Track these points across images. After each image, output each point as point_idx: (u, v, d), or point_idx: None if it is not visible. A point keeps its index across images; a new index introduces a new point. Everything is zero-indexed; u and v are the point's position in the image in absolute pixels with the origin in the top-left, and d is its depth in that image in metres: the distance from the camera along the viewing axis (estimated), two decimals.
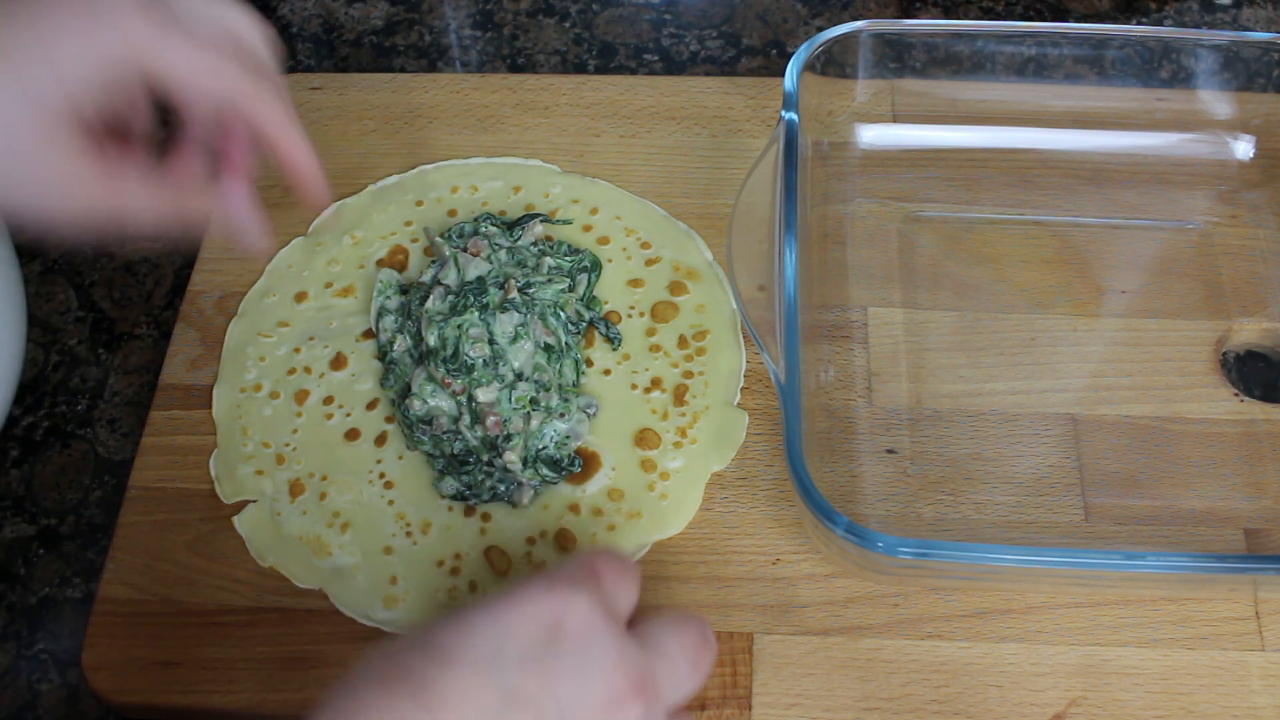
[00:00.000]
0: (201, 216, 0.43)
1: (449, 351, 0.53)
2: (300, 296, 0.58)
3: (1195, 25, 0.72)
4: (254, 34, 0.44)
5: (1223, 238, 0.60)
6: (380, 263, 0.60)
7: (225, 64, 0.41)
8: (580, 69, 0.71)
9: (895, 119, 0.63)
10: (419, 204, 0.61)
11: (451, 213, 0.61)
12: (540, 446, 0.53)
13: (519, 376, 0.53)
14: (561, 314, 0.55)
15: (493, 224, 0.59)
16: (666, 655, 0.40)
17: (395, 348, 0.55)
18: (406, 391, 0.53)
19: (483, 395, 0.52)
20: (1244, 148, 0.62)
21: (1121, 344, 0.57)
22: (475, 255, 0.56)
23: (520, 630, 0.36)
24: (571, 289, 0.57)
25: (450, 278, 0.55)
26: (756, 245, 0.53)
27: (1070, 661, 0.49)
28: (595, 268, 0.59)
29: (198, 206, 0.43)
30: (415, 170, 0.63)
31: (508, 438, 0.52)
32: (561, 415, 0.53)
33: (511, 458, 0.52)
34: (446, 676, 0.35)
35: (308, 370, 0.56)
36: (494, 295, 0.54)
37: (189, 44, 0.40)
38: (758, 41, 0.72)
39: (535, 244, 0.58)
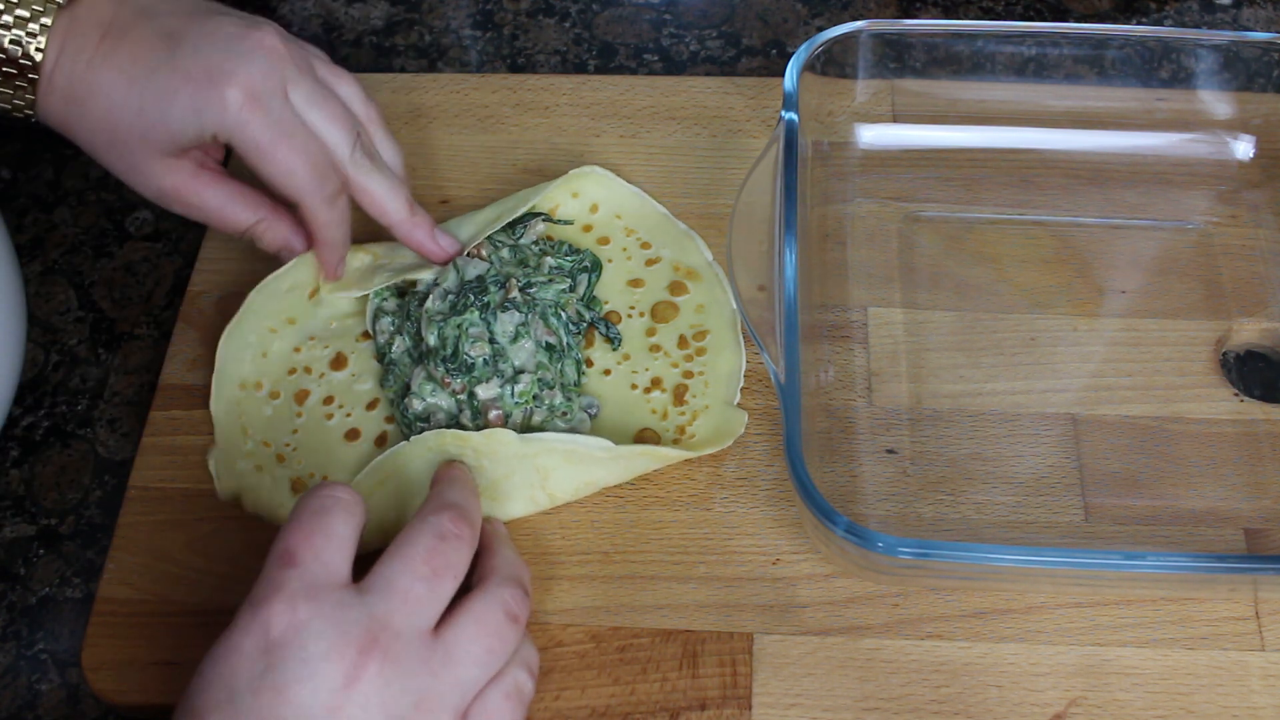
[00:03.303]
0: (269, 234, 0.55)
1: (448, 351, 0.52)
2: (313, 294, 0.58)
3: (1195, 25, 0.72)
4: (342, 138, 0.52)
5: (1223, 238, 0.60)
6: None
7: (300, 168, 0.50)
8: (580, 69, 0.71)
9: (895, 119, 0.63)
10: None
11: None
12: None
13: (519, 374, 0.53)
14: (563, 314, 0.55)
15: None
16: (394, 590, 0.41)
17: (394, 348, 0.55)
18: (406, 392, 0.53)
19: (483, 392, 0.52)
20: (1244, 148, 0.62)
21: (1121, 344, 0.57)
22: (474, 255, 0.56)
23: (238, 664, 0.39)
24: (572, 289, 0.57)
25: (449, 279, 0.55)
26: (756, 245, 0.53)
27: (1070, 661, 0.49)
28: (595, 268, 0.59)
29: (258, 217, 0.54)
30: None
31: None
32: (564, 414, 0.53)
33: None
34: None
35: (308, 370, 0.56)
36: (494, 294, 0.54)
37: (274, 145, 0.50)
38: (758, 41, 0.72)
39: (536, 243, 0.58)
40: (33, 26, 0.48)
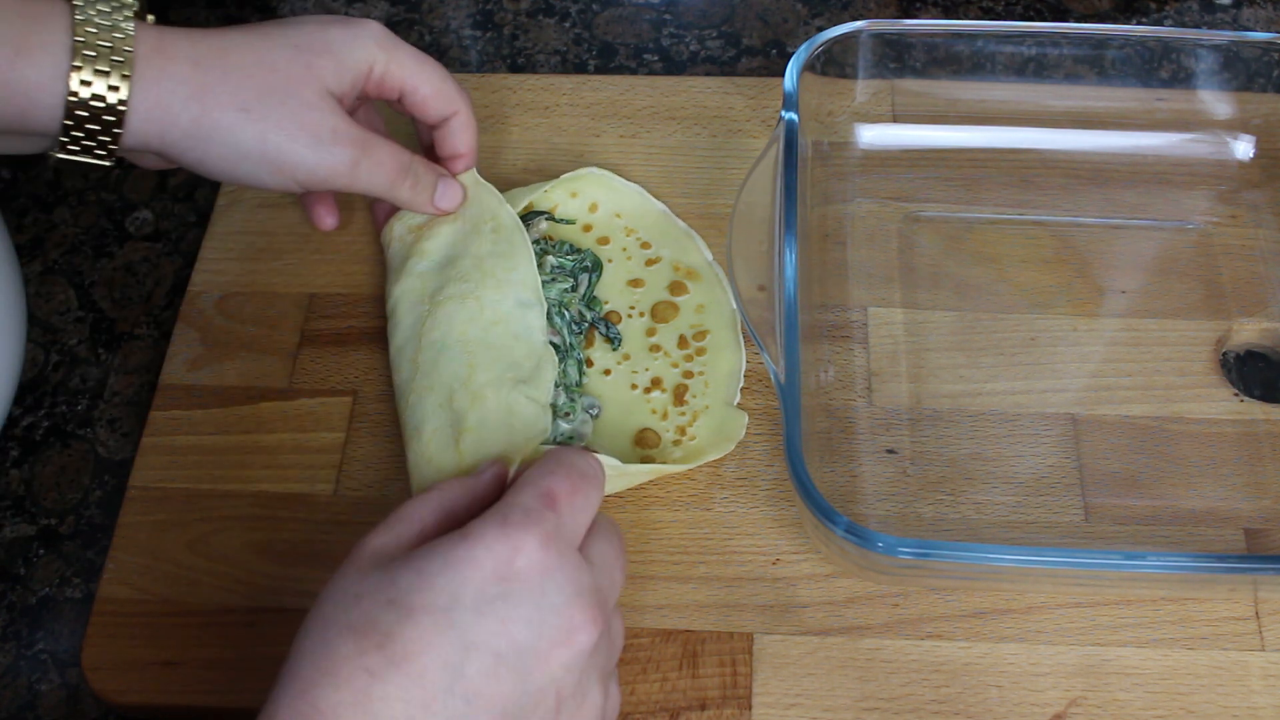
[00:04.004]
0: (429, 178, 0.55)
1: None
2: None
3: (1195, 25, 0.72)
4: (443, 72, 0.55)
5: (1223, 238, 0.60)
6: None
7: (449, 84, 0.54)
8: (580, 69, 0.71)
9: (895, 119, 0.63)
10: None
11: None
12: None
13: None
14: (566, 313, 0.55)
15: None
16: (608, 570, 0.41)
17: None
18: None
19: None
20: (1244, 148, 0.62)
21: (1121, 344, 0.57)
22: None
23: (473, 577, 0.37)
24: (574, 289, 0.57)
25: None
26: (756, 245, 0.53)
27: (1070, 661, 0.49)
28: (596, 268, 0.59)
29: (428, 170, 0.55)
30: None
31: None
32: (566, 414, 0.53)
33: None
34: (407, 627, 0.36)
35: None
36: None
37: (426, 59, 0.54)
38: (758, 41, 0.72)
39: (537, 242, 0.58)
40: (117, 57, 0.46)
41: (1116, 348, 0.57)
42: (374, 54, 0.51)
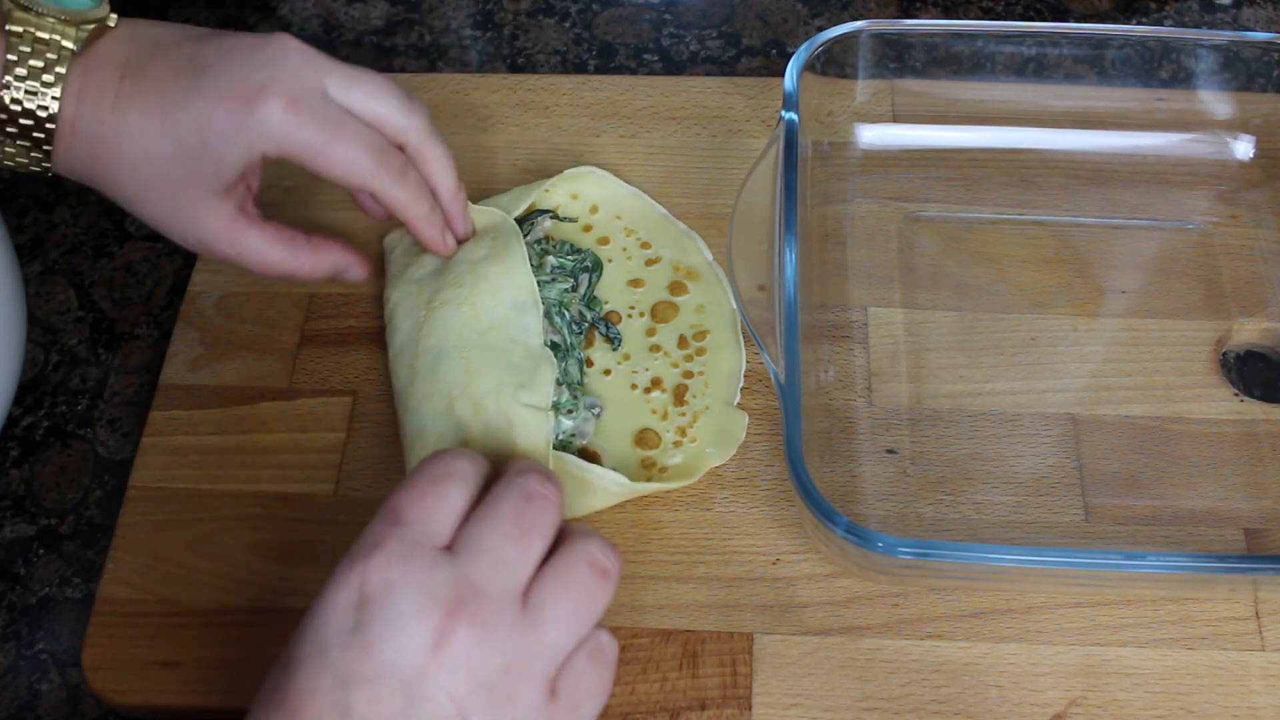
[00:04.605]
0: (310, 269, 0.52)
1: None
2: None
3: (1195, 25, 0.72)
4: (395, 110, 0.50)
5: (1223, 238, 0.60)
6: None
7: (361, 158, 0.49)
8: (580, 69, 0.71)
9: (895, 119, 0.63)
10: None
11: None
12: None
13: None
14: (566, 313, 0.55)
15: None
16: (482, 550, 0.40)
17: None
18: None
19: None
20: (1244, 148, 0.62)
21: (1121, 344, 0.57)
22: None
23: (331, 617, 0.39)
24: (574, 289, 0.57)
25: None
26: (756, 245, 0.53)
27: (1070, 661, 0.49)
28: (596, 268, 0.59)
29: (307, 260, 0.52)
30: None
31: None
32: (570, 412, 0.53)
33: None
34: (291, 680, 0.38)
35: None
36: None
37: (329, 143, 0.48)
38: (758, 41, 0.72)
39: (538, 242, 0.58)
40: (48, 77, 0.46)
41: (1116, 348, 0.57)
42: (262, 143, 0.47)
